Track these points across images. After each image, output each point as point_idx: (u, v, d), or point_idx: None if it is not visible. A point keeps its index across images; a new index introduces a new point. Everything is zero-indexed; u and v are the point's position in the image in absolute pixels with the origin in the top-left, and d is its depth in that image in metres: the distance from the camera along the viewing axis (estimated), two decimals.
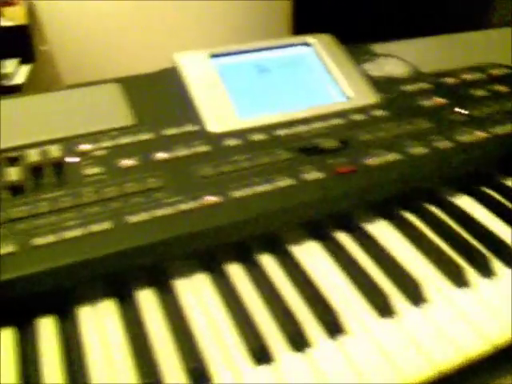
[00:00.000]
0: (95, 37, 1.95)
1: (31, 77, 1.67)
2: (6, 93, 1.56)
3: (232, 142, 0.61)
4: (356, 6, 1.81)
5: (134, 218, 0.52)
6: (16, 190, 0.54)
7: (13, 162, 0.56)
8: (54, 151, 0.57)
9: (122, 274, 0.51)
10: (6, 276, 0.46)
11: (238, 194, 0.55)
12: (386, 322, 0.49)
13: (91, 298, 0.50)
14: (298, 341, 0.46)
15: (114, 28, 1.97)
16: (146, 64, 1.96)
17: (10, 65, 1.62)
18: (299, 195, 0.56)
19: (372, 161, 0.61)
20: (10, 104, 0.64)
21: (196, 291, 0.52)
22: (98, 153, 0.58)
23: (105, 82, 0.69)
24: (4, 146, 0.58)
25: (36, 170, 0.56)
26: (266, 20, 2.17)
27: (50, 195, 0.53)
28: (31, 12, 1.81)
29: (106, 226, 0.50)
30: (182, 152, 0.59)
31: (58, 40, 1.90)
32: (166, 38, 2.06)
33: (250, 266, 0.54)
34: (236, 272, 0.54)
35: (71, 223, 0.51)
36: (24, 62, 1.70)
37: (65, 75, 2.00)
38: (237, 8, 2.12)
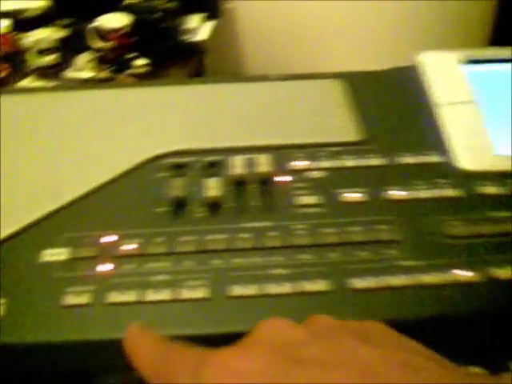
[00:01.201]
0: (289, 11, 1.83)
1: (213, 34, 1.60)
2: (188, 49, 1.51)
3: (490, 189, 0.45)
4: None
5: (357, 283, 0.38)
6: (214, 208, 0.43)
7: (213, 168, 0.46)
8: (262, 163, 0.46)
9: None
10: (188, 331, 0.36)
11: (499, 272, 0.39)
12: None
13: None
14: None
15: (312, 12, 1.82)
16: (336, 58, 1.78)
17: (195, 20, 1.56)
18: None
19: None
20: (206, 90, 0.54)
21: None
22: (315, 174, 0.46)
23: (320, 76, 0.56)
24: (203, 145, 0.47)
25: (238, 185, 0.45)
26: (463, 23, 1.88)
27: (252, 224, 0.42)
28: None
29: (321, 286, 0.38)
30: (422, 193, 0.45)
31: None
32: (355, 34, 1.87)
33: (497, 371, 0.39)
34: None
35: (277, 272, 0.39)
36: (208, 18, 1.63)
37: (246, 38, 1.91)
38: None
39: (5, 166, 0.46)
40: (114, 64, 1.36)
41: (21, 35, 1.44)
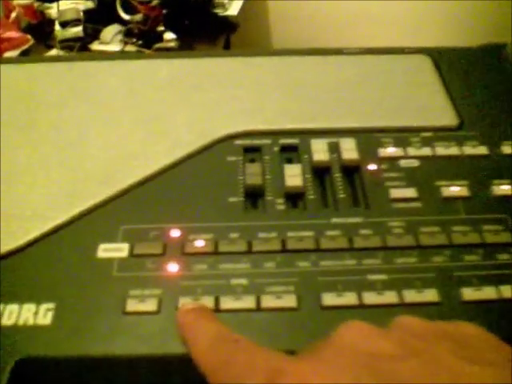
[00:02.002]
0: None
1: (243, 10, 1.53)
2: (219, 23, 1.43)
3: None
4: None
5: (469, 293, 0.32)
6: (295, 200, 0.37)
7: (291, 153, 0.40)
8: (347, 149, 0.39)
9: None
10: None
11: None
12: None
13: None
14: None
15: None
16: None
17: None
18: None
19: None
20: (274, 63, 0.47)
21: None
22: (408, 163, 0.39)
23: (403, 50, 0.49)
24: (278, 126, 0.41)
25: (320, 174, 0.39)
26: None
27: (341, 220, 0.36)
28: None
29: (428, 296, 0.32)
30: None
31: None
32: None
33: None
34: None
35: (375, 278, 0.33)
36: None
37: (274, 15, 1.83)
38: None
39: (47, 145, 0.40)
40: (142, 38, 1.30)
41: (44, 6, 1.37)
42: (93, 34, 1.29)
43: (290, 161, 0.39)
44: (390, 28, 1.77)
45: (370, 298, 0.32)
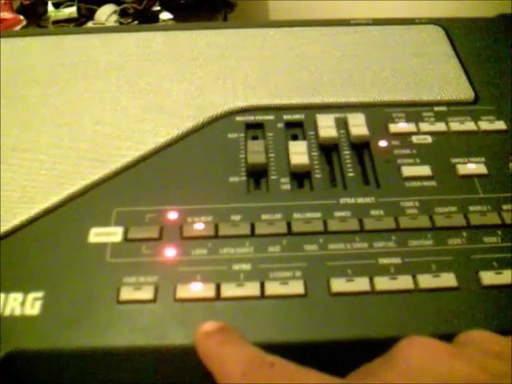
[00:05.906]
0: None
1: None
2: (216, 2, 1.39)
3: None
4: None
5: (489, 277, 0.30)
6: (301, 179, 0.35)
7: (295, 130, 0.37)
8: (356, 125, 0.37)
9: None
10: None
11: None
12: None
13: None
14: None
15: None
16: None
17: None
18: None
19: None
20: (279, 34, 0.45)
21: None
22: (421, 140, 0.37)
23: (413, 21, 0.46)
24: (282, 101, 0.38)
25: (328, 151, 0.36)
26: None
27: (351, 200, 0.33)
28: None
29: (446, 280, 0.30)
30: None
31: None
32: None
33: None
34: None
35: (388, 261, 0.31)
36: None
37: None
38: None
39: (36, 123, 0.38)
40: (137, 17, 1.26)
41: None
42: (87, 15, 1.25)
43: (295, 137, 0.37)
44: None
45: (383, 283, 0.30)
